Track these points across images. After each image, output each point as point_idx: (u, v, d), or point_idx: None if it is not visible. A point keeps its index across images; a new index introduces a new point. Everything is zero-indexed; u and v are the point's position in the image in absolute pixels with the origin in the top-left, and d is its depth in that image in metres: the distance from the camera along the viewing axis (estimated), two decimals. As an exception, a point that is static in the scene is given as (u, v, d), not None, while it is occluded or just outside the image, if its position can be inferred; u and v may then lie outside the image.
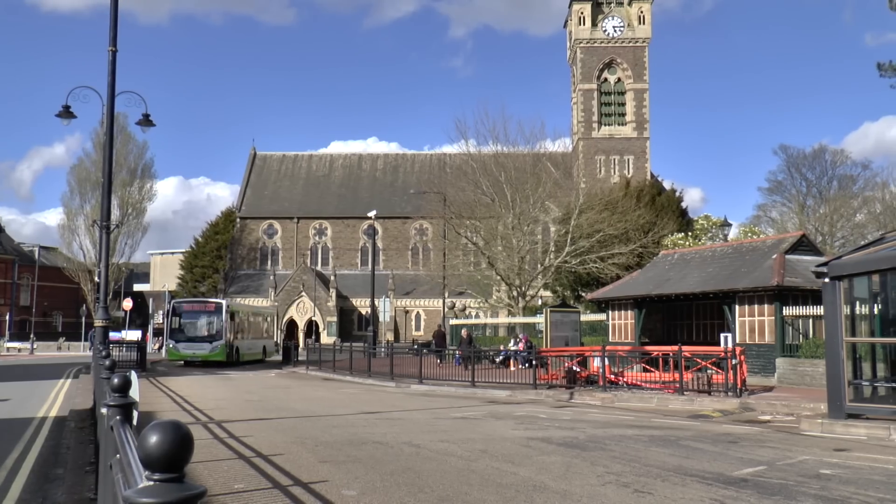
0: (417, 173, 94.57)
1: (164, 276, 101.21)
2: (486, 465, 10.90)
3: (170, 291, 72.62)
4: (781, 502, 8.63)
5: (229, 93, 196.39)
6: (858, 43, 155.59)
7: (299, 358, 43.82)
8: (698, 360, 22.78)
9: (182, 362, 42.00)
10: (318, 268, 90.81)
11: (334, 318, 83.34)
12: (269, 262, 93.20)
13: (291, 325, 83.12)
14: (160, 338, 63.53)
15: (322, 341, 63.22)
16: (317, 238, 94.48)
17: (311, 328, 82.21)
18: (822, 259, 20.39)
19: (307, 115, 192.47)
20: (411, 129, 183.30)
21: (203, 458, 10.86)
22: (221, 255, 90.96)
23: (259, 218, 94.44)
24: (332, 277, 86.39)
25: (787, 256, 27.59)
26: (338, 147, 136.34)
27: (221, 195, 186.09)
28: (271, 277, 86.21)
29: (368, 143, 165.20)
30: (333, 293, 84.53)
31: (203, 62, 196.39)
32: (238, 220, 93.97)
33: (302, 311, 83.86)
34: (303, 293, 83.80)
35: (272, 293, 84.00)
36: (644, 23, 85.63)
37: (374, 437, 13.87)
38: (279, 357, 49.39)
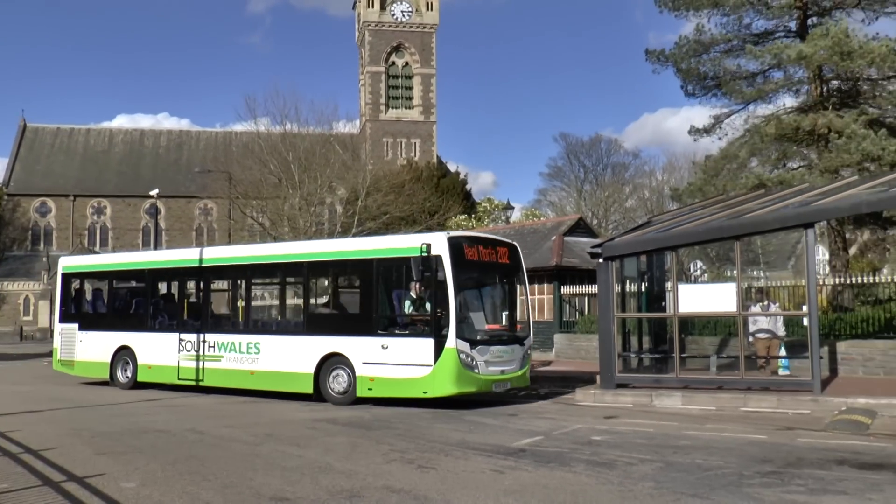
0: (203, 151, 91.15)
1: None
2: (272, 448, 10.74)
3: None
4: (556, 469, 9.07)
5: (5, 60, 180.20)
6: (643, 42, 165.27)
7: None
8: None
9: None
10: (97, 249, 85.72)
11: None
12: (42, 243, 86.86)
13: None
14: None
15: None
16: (95, 217, 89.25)
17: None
18: (597, 241, 21.56)
19: (91, 87, 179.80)
20: (204, 106, 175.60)
21: (-42, 456, 9.99)
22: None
23: (30, 195, 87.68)
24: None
25: (566, 238, 29.10)
26: (123, 121, 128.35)
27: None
28: (44, 259, 80.00)
29: (158, 119, 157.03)
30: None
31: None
32: (6, 196, 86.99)
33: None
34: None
35: (45, 276, 78.26)
36: (432, 9, 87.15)
37: (157, 425, 13.33)
38: None
